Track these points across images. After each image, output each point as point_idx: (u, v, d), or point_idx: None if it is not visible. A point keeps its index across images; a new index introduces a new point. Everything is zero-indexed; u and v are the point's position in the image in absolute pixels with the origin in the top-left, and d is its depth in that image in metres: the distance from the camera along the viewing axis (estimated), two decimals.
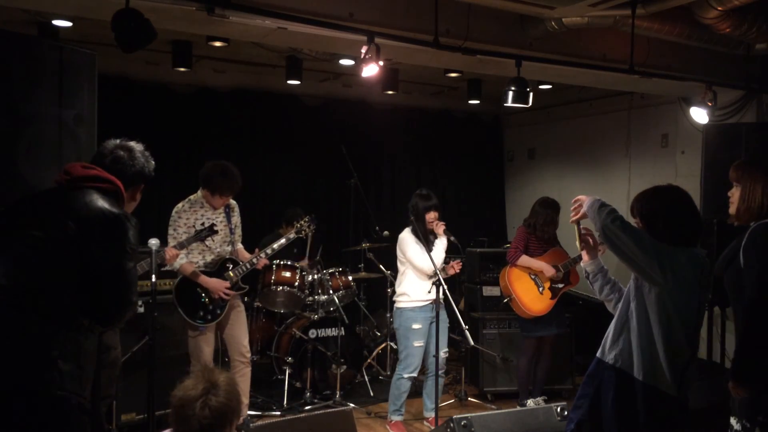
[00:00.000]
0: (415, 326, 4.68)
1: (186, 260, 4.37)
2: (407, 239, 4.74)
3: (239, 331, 4.58)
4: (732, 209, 2.84)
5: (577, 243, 2.90)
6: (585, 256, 2.89)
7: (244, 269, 4.52)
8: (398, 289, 4.83)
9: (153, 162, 2.62)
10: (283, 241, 4.70)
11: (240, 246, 4.71)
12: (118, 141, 2.58)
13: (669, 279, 2.49)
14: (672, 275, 2.50)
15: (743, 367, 2.67)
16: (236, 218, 4.67)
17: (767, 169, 2.75)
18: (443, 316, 4.61)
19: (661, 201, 2.67)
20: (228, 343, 4.62)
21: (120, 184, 2.43)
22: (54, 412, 2.10)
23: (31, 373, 2.08)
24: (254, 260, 4.56)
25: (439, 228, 4.71)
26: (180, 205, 4.46)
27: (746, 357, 2.67)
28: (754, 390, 2.64)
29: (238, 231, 4.70)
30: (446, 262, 4.93)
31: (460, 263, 4.85)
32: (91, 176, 2.37)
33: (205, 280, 4.37)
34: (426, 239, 4.69)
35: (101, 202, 2.29)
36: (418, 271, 4.69)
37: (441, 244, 4.74)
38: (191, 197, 4.51)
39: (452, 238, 4.75)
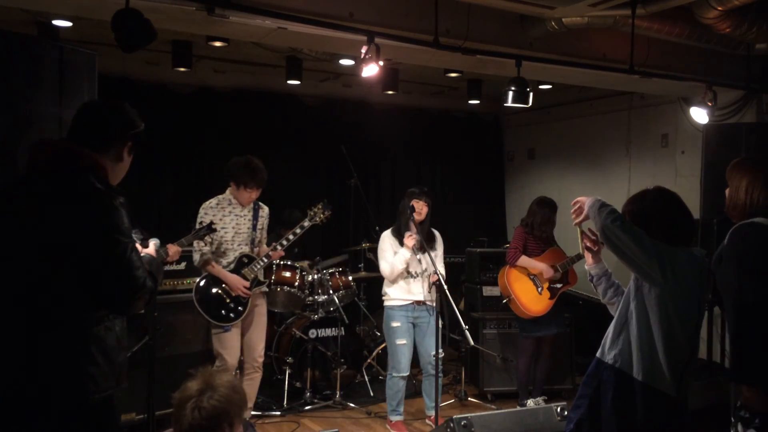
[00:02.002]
0: (394, 324, 4.71)
1: (210, 255, 4.39)
2: (383, 239, 4.81)
3: (257, 336, 4.60)
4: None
5: (580, 245, 2.89)
6: (589, 259, 2.87)
7: (261, 263, 4.53)
8: (383, 288, 4.89)
9: (131, 114, 2.34)
10: (298, 230, 4.61)
11: (264, 246, 4.73)
12: (87, 102, 2.40)
13: (669, 279, 2.49)
14: (672, 275, 2.49)
15: (742, 366, 2.63)
16: (264, 221, 4.69)
17: (756, 168, 2.70)
18: (432, 318, 4.64)
19: (652, 203, 2.67)
20: (244, 345, 4.61)
21: (94, 155, 2.17)
22: (98, 414, 2.12)
23: (65, 388, 2.06)
24: (270, 253, 4.55)
25: (409, 241, 4.63)
26: (207, 202, 4.50)
27: (741, 357, 2.63)
28: (762, 387, 2.56)
29: (263, 234, 4.73)
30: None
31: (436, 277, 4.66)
32: (55, 163, 2.13)
33: (224, 274, 4.40)
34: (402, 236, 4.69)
35: (71, 196, 2.09)
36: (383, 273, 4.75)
37: (402, 254, 4.65)
38: (219, 195, 4.54)
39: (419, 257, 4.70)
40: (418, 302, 4.70)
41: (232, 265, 4.48)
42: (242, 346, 4.64)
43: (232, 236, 4.48)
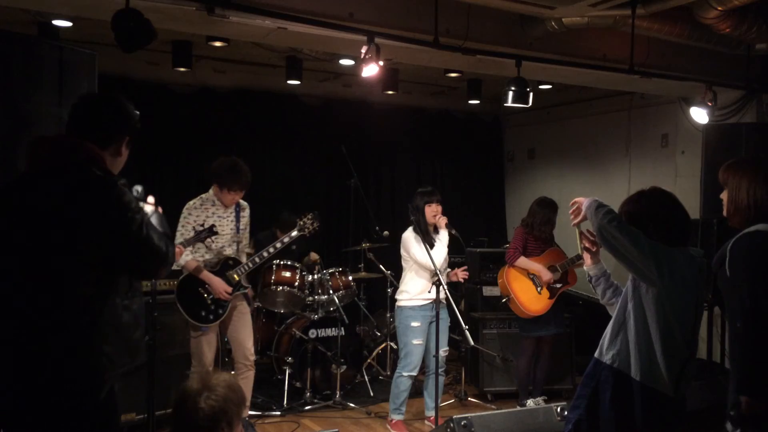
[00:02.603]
0: (414, 324, 4.69)
1: (191, 257, 4.37)
2: (410, 238, 4.76)
3: (244, 334, 4.57)
4: (724, 212, 2.75)
5: (579, 246, 2.89)
6: (587, 259, 2.87)
7: (246, 269, 4.50)
8: (400, 287, 4.85)
9: (132, 109, 2.41)
10: (286, 239, 4.62)
11: (248, 250, 4.70)
12: (84, 96, 2.43)
13: (666, 279, 2.49)
14: (669, 275, 2.49)
15: (750, 378, 2.52)
16: (246, 219, 4.66)
17: (752, 167, 2.62)
18: (444, 315, 4.61)
19: (648, 204, 2.66)
20: (232, 345, 4.61)
21: (94, 148, 2.20)
22: (100, 413, 2.13)
23: (80, 367, 2.09)
24: (256, 259, 4.54)
25: (441, 221, 4.70)
26: (191, 202, 4.47)
27: (751, 368, 2.53)
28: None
29: (246, 233, 4.70)
30: (452, 267, 4.97)
31: (466, 272, 4.85)
32: (55, 157, 2.15)
33: (208, 276, 4.37)
34: (428, 236, 4.69)
35: (77, 187, 2.11)
36: (423, 269, 4.69)
37: (442, 240, 4.74)
38: (203, 195, 4.51)
39: (453, 232, 4.75)
40: (434, 300, 4.67)
41: (216, 267, 4.45)
42: (231, 345, 4.64)
43: (215, 237, 4.45)
